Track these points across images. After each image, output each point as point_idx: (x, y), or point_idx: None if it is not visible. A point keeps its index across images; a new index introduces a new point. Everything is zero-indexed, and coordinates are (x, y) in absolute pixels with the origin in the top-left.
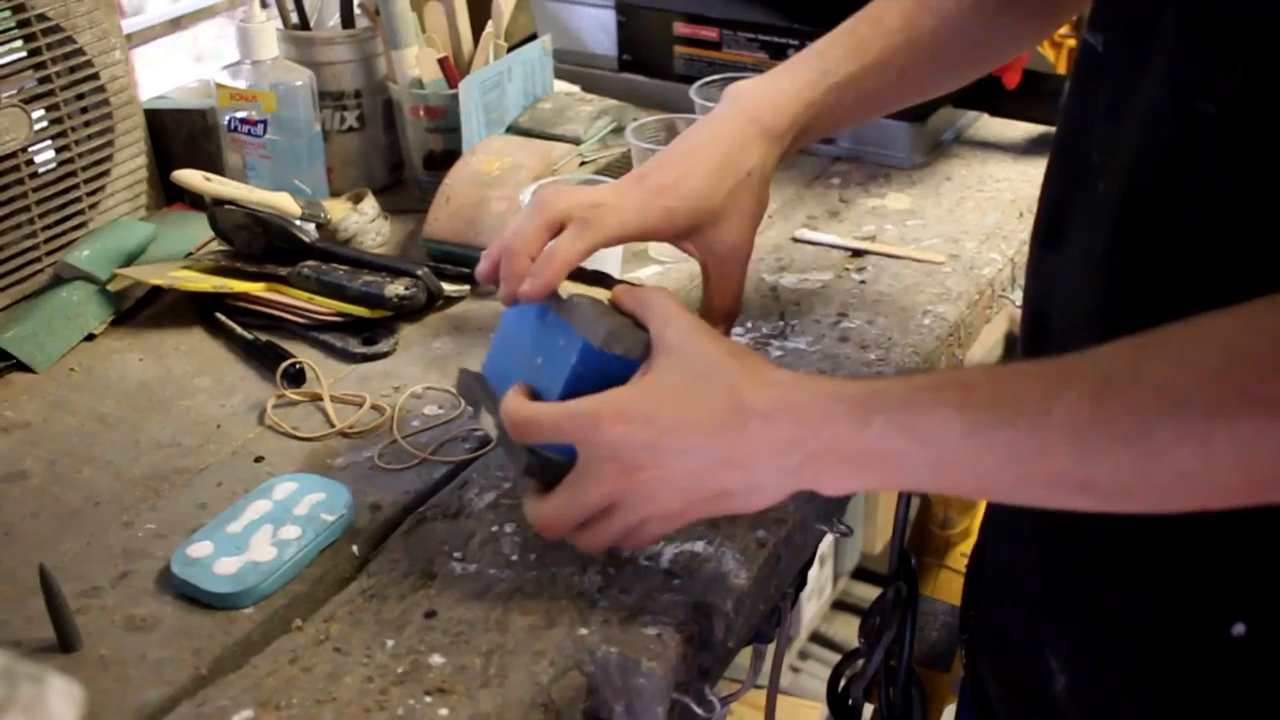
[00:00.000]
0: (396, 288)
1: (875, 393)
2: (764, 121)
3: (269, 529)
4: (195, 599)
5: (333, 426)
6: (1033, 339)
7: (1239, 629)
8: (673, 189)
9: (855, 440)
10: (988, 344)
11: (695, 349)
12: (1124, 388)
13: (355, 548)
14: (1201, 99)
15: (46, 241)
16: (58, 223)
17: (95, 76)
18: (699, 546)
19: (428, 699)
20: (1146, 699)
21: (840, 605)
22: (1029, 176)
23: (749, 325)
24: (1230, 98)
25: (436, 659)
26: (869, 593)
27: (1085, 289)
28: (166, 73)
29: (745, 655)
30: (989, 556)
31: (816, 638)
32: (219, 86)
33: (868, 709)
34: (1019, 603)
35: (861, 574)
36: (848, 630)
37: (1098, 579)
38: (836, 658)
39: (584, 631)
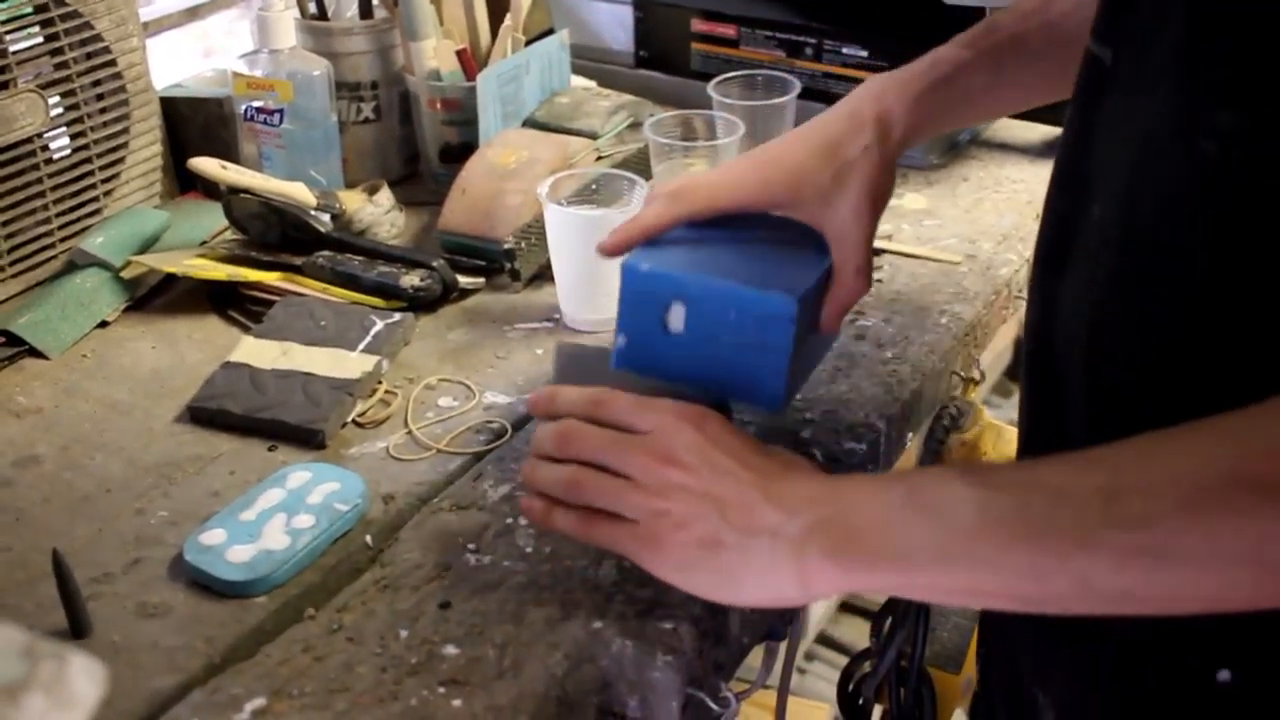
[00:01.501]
0: (412, 279)
1: (907, 472)
2: (878, 104)
3: (282, 517)
4: (208, 586)
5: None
6: (1035, 372)
7: (1224, 676)
8: (772, 161)
9: (868, 508)
10: (999, 347)
11: None
12: (1134, 478)
13: (369, 538)
14: (1203, 136)
15: (61, 228)
16: (72, 209)
17: (112, 63)
18: None
19: (441, 690)
20: None
21: (847, 607)
22: (1046, 179)
23: None
24: (1231, 139)
25: (450, 650)
26: (875, 595)
27: (1083, 320)
28: (176, 66)
29: (755, 655)
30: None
31: (823, 639)
32: (236, 75)
33: (877, 709)
34: (1007, 636)
35: None
36: (854, 632)
37: (1083, 623)
38: (843, 659)
39: (599, 625)
